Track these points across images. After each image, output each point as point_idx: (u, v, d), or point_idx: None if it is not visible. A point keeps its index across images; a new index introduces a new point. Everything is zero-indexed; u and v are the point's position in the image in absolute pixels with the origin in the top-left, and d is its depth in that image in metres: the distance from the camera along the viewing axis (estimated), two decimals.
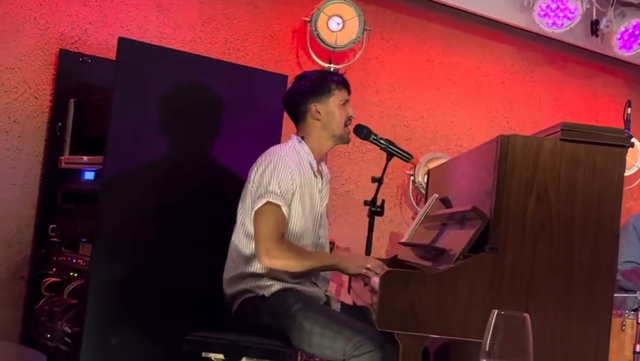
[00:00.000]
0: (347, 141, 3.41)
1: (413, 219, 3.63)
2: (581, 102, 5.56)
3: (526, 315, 1.61)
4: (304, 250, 3.18)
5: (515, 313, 1.61)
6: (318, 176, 3.31)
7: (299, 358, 3.47)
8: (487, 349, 1.62)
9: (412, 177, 4.89)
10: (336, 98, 3.30)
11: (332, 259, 3.17)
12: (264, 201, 3.07)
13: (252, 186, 3.14)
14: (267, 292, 3.08)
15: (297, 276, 3.13)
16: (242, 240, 3.17)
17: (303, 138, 3.30)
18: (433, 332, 2.47)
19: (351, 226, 4.79)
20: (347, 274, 3.20)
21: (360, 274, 3.08)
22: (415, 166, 4.82)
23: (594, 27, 5.26)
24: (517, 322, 1.61)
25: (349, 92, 3.38)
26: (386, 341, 2.76)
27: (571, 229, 2.52)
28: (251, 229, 3.13)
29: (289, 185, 3.11)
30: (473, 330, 2.43)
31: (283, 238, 3.09)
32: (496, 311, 1.63)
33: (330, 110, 3.29)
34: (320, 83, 3.31)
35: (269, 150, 3.25)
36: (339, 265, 3.12)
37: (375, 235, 3.74)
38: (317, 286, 3.24)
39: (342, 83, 3.35)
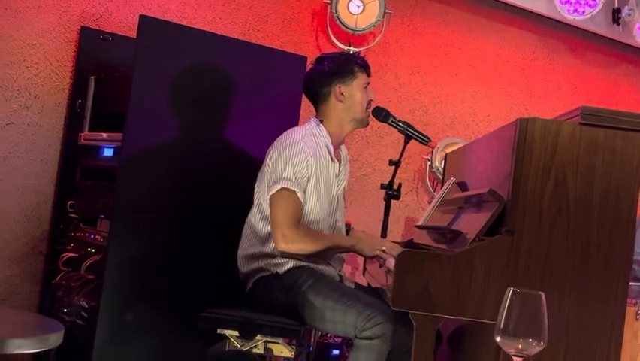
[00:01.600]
0: (366, 125, 3.41)
1: (430, 203, 3.63)
2: (601, 91, 5.53)
3: (542, 293, 1.62)
4: (320, 233, 3.19)
5: (531, 291, 1.62)
6: (336, 160, 3.31)
7: (312, 337, 3.49)
8: (501, 326, 1.64)
9: (429, 162, 4.89)
10: (359, 80, 3.31)
11: (348, 241, 3.19)
12: (279, 186, 3.09)
13: (268, 170, 3.15)
14: (280, 270, 3.11)
15: (312, 256, 3.15)
16: (258, 221, 3.19)
17: (321, 121, 3.31)
18: (448, 313, 2.48)
19: (367, 209, 4.80)
20: (362, 256, 3.22)
21: (376, 256, 3.09)
22: (433, 151, 4.82)
23: (616, 15, 5.23)
24: (533, 300, 1.62)
25: (369, 76, 3.39)
26: (400, 322, 2.78)
27: (588, 214, 2.51)
28: (267, 211, 3.15)
29: (304, 170, 3.12)
30: (488, 312, 2.44)
31: (299, 222, 3.11)
32: (512, 289, 1.64)
33: (352, 92, 3.30)
34: (344, 65, 3.31)
35: (285, 133, 3.25)
36: (355, 247, 3.15)
37: (391, 219, 3.74)
38: (330, 265, 3.25)
39: (365, 66, 3.36)
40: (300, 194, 3.10)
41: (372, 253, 3.09)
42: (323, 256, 3.21)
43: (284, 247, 3.06)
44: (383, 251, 3.07)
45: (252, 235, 3.21)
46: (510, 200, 2.52)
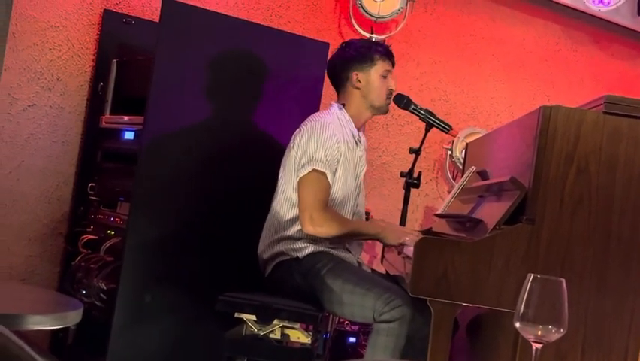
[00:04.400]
0: (385, 112, 3.41)
1: (449, 193, 3.61)
2: (625, 83, 5.48)
3: (562, 279, 1.60)
4: (347, 218, 3.20)
5: (551, 278, 1.61)
6: (359, 144, 3.32)
7: (330, 324, 3.49)
8: (521, 312, 1.62)
9: (449, 152, 4.87)
10: (378, 68, 3.30)
11: (374, 229, 3.18)
12: (309, 168, 3.08)
13: (296, 153, 3.14)
14: (300, 254, 3.11)
15: (333, 242, 3.15)
16: (283, 206, 3.19)
17: (343, 105, 3.31)
18: (466, 301, 2.47)
19: (386, 198, 4.79)
20: (386, 244, 3.21)
21: (400, 245, 3.07)
22: (453, 141, 4.79)
23: None
24: (553, 286, 1.61)
25: (393, 65, 3.37)
26: (417, 309, 2.77)
27: (610, 204, 2.49)
28: (292, 196, 3.15)
29: (335, 153, 3.12)
30: (506, 300, 2.42)
31: (327, 206, 3.11)
32: (532, 275, 1.63)
33: (370, 79, 3.29)
34: (363, 52, 3.31)
35: (312, 116, 3.25)
36: (380, 235, 3.14)
37: (409, 208, 3.73)
38: (350, 252, 3.25)
39: (386, 54, 3.34)
40: (329, 176, 3.11)
41: (396, 242, 3.07)
42: (346, 241, 3.21)
43: (311, 230, 3.07)
44: (407, 241, 3.05)
45: (276, 221, 3.21)
46: (531, 188, 2.50)
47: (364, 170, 3.38)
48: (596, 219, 2.48)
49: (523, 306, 1.62)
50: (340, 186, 3.18)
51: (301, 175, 3.10)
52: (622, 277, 2.48)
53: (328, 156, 3.10)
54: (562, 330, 1.61)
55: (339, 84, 3.35)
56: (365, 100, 3.31)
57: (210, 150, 3.61)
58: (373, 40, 4.46)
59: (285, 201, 3.18)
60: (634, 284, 2.48)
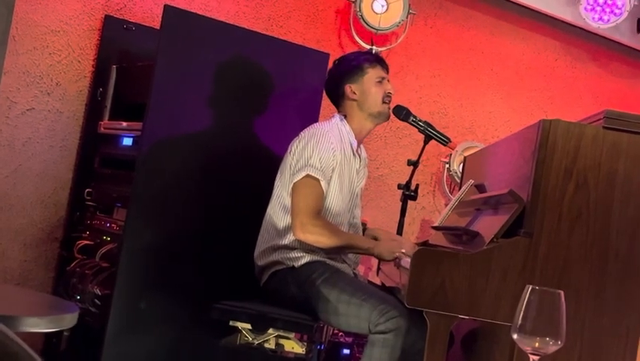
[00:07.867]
0: (386, 118, 3.40)
1: (446, 206, 3.61)
2: (623, 101, 5.49)
3: (560, 291, 1.60)
4: (339, 229, 3.18)
5: (549, 290, 1.61)
6: (357, 156, 3.31)
7: (324, 335, 3.49)
8: (518, 324, 1.62)
9: (446, 165, 4.87)
10: (370, 76, 3.31)
11: (366, 243, 3.13)
12: (303, 174, 3.08)
13: (292, 159, 3.14)
14: (296, 264, 3.10)
15: (328, 252, 3.14)
16: (277, 212, 3.18)
17: (345, 116, 3.32)
18: (462, 313, 2.46)
19: (383, 210, 4.79)
20: (381, 260, 3.18)
21: (395, 258, 3.05)
22: (451, 154, 4.80)
23: None
24: (551, 298, 1.60)
25: (386, 71, 3.37)
26: (412, 322, 2.77)
27: (608, 219, 2.49)
28: (287, 202, 3.14)
29: (330, 160, 3.12)
30: (503, 313, 2.42)
31: (320, 213, 3.10)
32: (530, 287, 1.63)
33: (364, 88, 3.30)
34: (351, 64, 3.34)
35: (312, 125, 3.27)
36: (373, 251, 3.08)
37: (406, 220, 3.72)
38: (346, 263, 3.24)
39: (376, 60, 3.36)
40: (323, 184, 3.10)
41: (392, 257, 3.04)
42: (339, 253, 3.20)
43: (301, 235, 3.05)
44: (402, 253, 3.02)
45: (271, 227, 3.20)
46: (530, 202, 2.49)
47: (362, 184, 3.37)
48: (593, 235, 2.48)
49: (521, 318, 1.62)
50: (335, 196, 3.17)
51: (295, 180, 3.10)
52: (619, 293, 2.47)
53: (323, 163, 3.10)
54: (559, 342, 1.60)
55: (337, 101, 3.38)
56: (363, 110, 3.31)
57: (208, 158, 3.61)
58: (374, 51, 4.48)
59: (280, 207, 3.17)
60: (630, 300, 2.47)
